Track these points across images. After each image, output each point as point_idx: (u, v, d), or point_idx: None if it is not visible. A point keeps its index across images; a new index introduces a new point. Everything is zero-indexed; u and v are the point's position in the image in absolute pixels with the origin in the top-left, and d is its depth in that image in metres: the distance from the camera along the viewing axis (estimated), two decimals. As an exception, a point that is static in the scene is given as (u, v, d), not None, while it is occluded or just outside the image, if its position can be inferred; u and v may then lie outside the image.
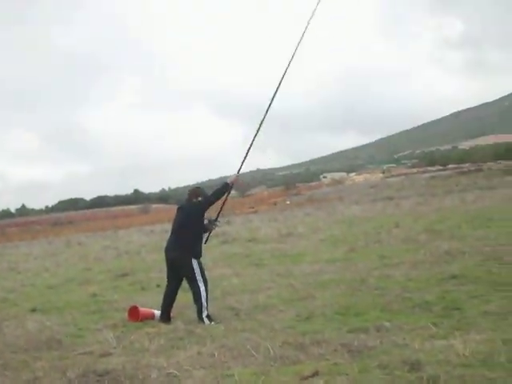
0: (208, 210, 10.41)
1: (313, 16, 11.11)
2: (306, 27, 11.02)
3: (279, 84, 10.88)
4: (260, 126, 10.73)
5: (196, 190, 10.68)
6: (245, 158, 10.71)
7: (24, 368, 7.86)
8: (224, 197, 10.60)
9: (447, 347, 6.68)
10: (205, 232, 10.53)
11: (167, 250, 10.35)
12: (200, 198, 10.40)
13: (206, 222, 10.47)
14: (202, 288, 9.87)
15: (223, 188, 10.48)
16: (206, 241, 10.70)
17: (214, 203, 10.46)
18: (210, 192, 10.56)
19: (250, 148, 10.69)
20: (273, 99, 10.84)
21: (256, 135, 10.76)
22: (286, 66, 10.92)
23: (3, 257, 34.89)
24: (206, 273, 10.16)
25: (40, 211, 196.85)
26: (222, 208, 10.88)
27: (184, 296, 10.66)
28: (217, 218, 10.76)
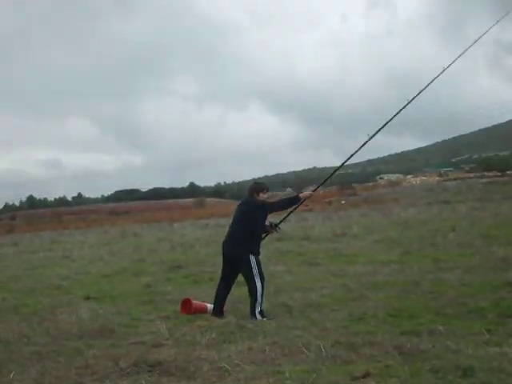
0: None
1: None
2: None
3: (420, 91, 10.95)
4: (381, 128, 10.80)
5: (255, 186, 10.62)
6: (333, 172, 10.85)
7: (77, 355, 7.97)
8: (292, 208, 10.64)
9: (501, 354, 6.61)
10: (264, 233, 10.51)
11: (224, 245, 10.38)
12: (262, 194, 10.40)
13: (267, 223, 10.45)
14: (259, 284, 9.87)
15: (293, 200, 10.59)
16: (263, 239, 10.69)
17: (278, 211, 10.49)
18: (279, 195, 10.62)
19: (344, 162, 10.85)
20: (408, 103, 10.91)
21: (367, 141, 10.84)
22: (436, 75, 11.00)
23: (58, 244, 35.31)
24: (262, 269, 10.17)
25: (96, 200, 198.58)
26: (288, 215, 10.88)
27: (238, 290, 10.69)
28: (279, 223, 10.74)
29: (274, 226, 10.59)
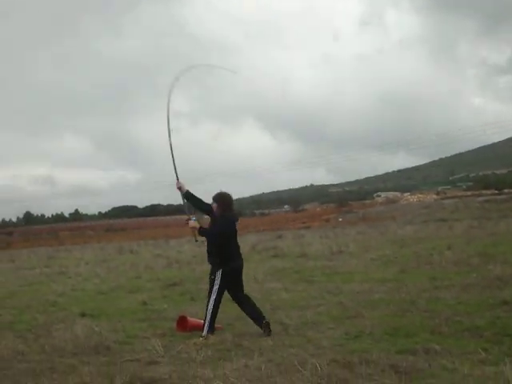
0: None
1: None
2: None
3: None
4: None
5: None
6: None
7: (71, 372, 7.95)
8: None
9: (497, 374, 6.60)
10: None
11: (238, 259, 10.35)
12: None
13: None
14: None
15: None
16: None
17: None
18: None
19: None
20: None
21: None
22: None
23: (55, 260, 35.31)
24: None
25: (93, 216, 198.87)
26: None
27: (234, 307, 10.67)
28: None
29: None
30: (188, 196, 10.62)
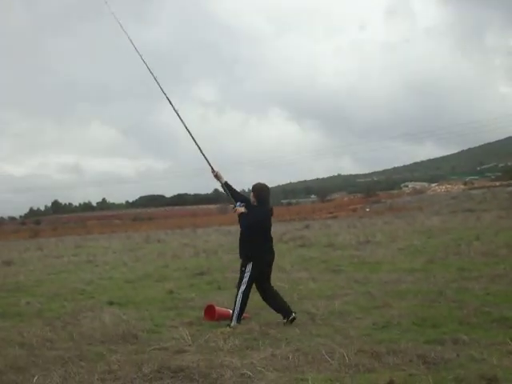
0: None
1: None
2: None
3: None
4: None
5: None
6: None
7: (99, 360, 7.97)
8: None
9: (526, 364, 6.56)
10: None
11: (269, 254, 10.26)
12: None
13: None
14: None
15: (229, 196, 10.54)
16: None
17: None
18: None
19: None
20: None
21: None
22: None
23: (82, 249, 35.51)
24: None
25: (120, 205, 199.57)
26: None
27: (259, 297, 10.65)
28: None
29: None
30: (226, 186, 10.54)
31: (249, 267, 9.95)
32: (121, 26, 11.63)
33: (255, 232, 10.08)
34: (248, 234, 10.13)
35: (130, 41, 11.38)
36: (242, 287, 9.94)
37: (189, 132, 10.77)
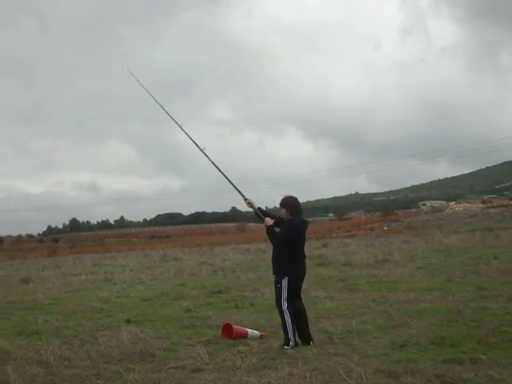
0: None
1: None
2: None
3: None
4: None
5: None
6: None
7: (117, 379, 8.00)
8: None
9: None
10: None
11: (302, 268, 10.07)
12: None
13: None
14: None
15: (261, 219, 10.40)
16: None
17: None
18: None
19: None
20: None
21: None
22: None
23: (100, 267, 35.52)
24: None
25: (138, 224, 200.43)
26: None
27: (277, 316, 10.60)
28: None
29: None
30: (260, 212, 10.48)
31: (284, 283, 9.73)
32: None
33: (292, 245, 9.85)
34: (283, 249, 9.84)
35: (143, 86, 11.53)
36: (284, 304, 9.71)
37: (213, 163, 10.88)
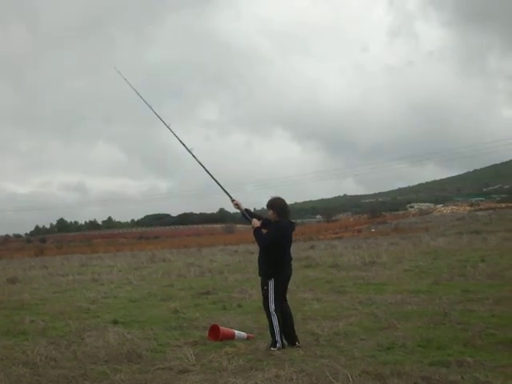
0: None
1: None
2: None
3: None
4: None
5: None
6: None
7: (103, 379, 7.99)
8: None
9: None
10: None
11: (289, 265, 10.06)
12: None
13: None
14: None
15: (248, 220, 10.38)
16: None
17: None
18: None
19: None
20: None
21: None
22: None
23: (87, 267, 35.47)
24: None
25: (126, 224, 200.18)
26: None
27: (264, 318, 10.61)
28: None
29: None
30: (247, 212, 10.46)
31: (271, 284, 9.72)
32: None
33: (278, 247, 9.80)
34: (270, 251, 9.81)
35: (132, 87, 11.53)
36: (272, 306, 9.69)
37: (201, 164, 10.89)
